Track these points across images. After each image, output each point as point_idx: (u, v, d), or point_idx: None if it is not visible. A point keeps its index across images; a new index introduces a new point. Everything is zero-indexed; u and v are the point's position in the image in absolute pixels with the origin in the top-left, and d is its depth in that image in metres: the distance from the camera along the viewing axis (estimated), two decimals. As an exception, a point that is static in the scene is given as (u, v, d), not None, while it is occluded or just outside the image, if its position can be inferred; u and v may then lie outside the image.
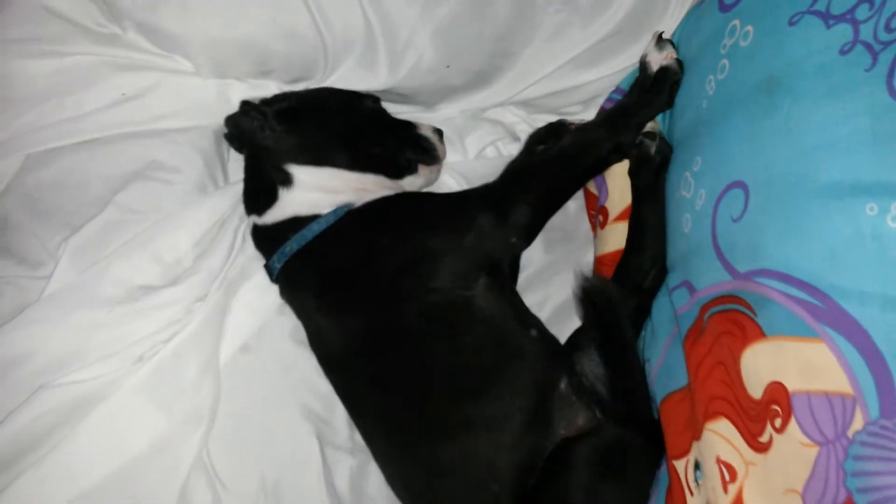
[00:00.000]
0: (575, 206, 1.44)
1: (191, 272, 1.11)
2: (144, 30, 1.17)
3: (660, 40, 1.17)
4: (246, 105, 1.16)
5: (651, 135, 1.18)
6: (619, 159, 1.20)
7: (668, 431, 1.07)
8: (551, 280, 1.40)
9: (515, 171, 1.19)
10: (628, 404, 1.14)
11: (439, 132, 1.27)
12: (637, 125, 1.16)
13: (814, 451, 0.80)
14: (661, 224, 1.15)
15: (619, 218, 1.31)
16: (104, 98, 1.16)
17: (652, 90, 1.15)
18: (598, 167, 1.20)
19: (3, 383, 0.99)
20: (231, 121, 1.16)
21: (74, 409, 0.99)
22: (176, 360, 1.05)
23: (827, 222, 0.82)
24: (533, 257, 1.39)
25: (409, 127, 1.26)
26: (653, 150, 1.17)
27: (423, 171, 1.25)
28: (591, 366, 1.20)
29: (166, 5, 1.13)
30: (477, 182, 1.22)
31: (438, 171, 1.29)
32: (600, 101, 1.36)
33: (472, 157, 1.37)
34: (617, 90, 1.33)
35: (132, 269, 1.08)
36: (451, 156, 1.36)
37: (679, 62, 1.15)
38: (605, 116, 1.21)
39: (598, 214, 1.37)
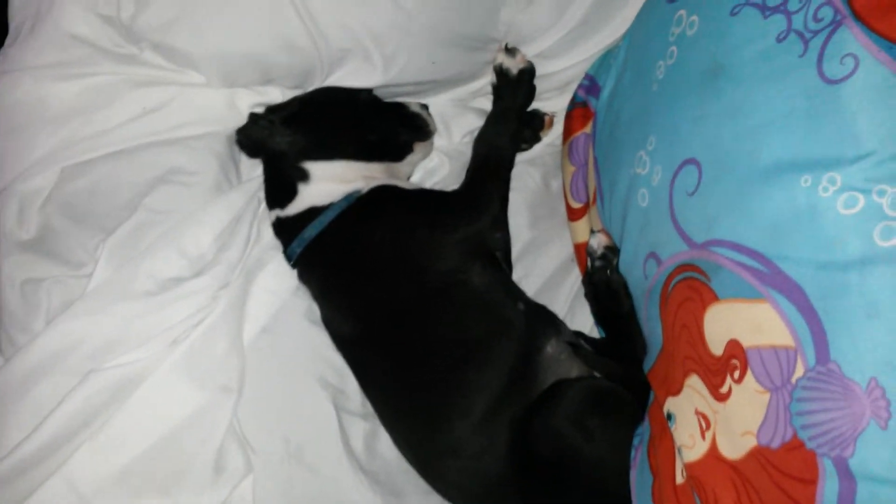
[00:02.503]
0: (556, 184, 1.48)
1: (213, 263, 1.15)
2: (159, 49, 1.20)
3: (508, 49, 1.30)
4: (254, 116, 1.20)
5: (613, 249, 1.20)
6: (518, 146, 1.36)
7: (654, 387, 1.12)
8: (539, 252, 1.43)
9: (475, 178, 1.25)
10: (624, 368, 1.18)
11: (425, 107, 1.33)
12: (517, 116, 1.30)
13: (766, 396, 0.84)
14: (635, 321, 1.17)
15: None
16: (127, 112, 1.20)
17: (518, 88, 1.29)
18: (512, 157, 1.30)
19: (59, 369, 1.04)
20: (242, 132, 1.21)
21: (120, 388, 1.04)
22: (205, 341, 1.10)
23: (769, 197, 0.85)
24: (520, 233, 1.42)
25: (400, 108, 1.31)
26: (615, 261, 1.20)
27: (419, 147, 1.31)
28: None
29: (178, 26, 1.16)
30: (461, 162, 1.29)
31: (431, 143, 1.35)
32: (574, 87, 1.39)
33: (457, 141, 1.41)
34: (586, 76, 1.36)
35: (161, 263, 1.12)
36: (439, 140, 1.40)
37: (530, 62, 1.30)
38: (494, 120, 1.29)
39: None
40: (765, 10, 0.89)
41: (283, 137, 1.18)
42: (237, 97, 1.27)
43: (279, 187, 1.22)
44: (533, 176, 1.46)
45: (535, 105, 1.40)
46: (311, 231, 1.17)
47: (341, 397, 1.21)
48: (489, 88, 1.34)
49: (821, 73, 0.81)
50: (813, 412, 0.77)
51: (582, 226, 1.38)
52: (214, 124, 1.24)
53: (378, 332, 1.16)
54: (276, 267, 1.23)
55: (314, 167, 1.19)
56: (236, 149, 1.28)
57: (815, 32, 0.82)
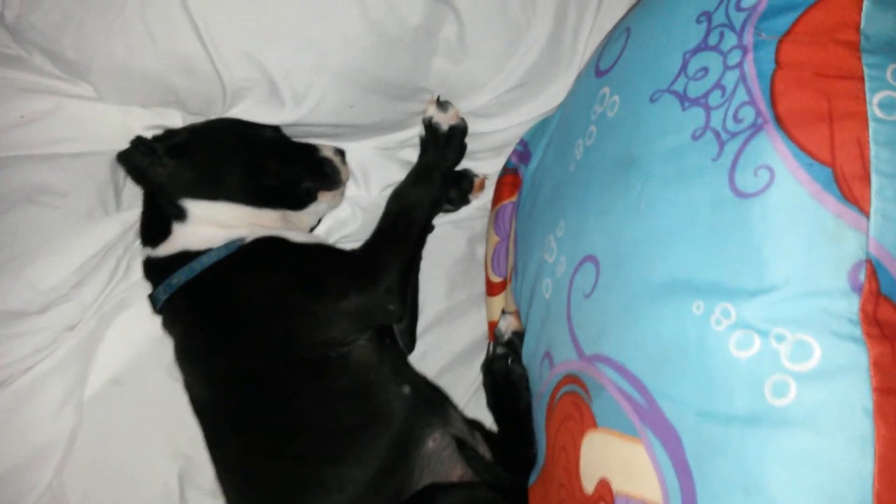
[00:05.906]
0: (482, 252, 1.35)
1: (63, 299, 1.03)
2: (49, 54, 1.09)
3: (440, 103, 1.18)
4: (137, 141, 1.07)
5: (522, 335, 1.07)
6: (438, 210, 1.20)
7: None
8: (452, 325, 1.31)
9: (378, 240, 1.10)
10: (510, 476, 1.04)
11: (341, 152, 1.18)
12: (441, 177, 1.16)
13: (627, 559, 0.71)
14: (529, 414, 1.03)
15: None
16: (2, 120, 1.09)
17: (447, 146, 1.18)
18: (426, 223, 1.17)
19: None
20: (123, 157, 1.07)
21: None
22: (35, 389, 0.98)
23: (658, 318, 0.72)
24: (435, 301, 1.30)
25: (309, 151, 1.16)
26: (521, 350, 1.08)
27: (325, 197, 1.16)
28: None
29: (65, 33, 1.04)
30: (376, 216, 1.14)
31: (342, 194, 1.20)
32: (510, 150, 1.27)
33: (375, 194, 1.27)
34: (521, 142, 1.24)
35: (2, 294, 1.00)
36: (355, 190, 1.27)
37: (463, 119, 1.19)
38: (414, 178, 1.16)
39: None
40: (684, 100, 0.77)
41: (164, 169, 1.05)
42: (132, 116, 1.15)
43: (153, 224, 1.09)
44: (457, 240, 1.33)
45: (467, 164, 1.29)
46: (179, 277, 1.03)
47: (192, 470, 1.07)
48: (418, 140, 1.22)
49: (732, 183, 0.69)
50: None
51: (498, 303, 1.25)
52: (99, 143, 1.12)
53: (232, 405, 1.02)
54: (141, 310, 1.09)
55: (194, 206, 1.06)
56: (122, 173, 1.16)
57: (733, 135, 0.70)
